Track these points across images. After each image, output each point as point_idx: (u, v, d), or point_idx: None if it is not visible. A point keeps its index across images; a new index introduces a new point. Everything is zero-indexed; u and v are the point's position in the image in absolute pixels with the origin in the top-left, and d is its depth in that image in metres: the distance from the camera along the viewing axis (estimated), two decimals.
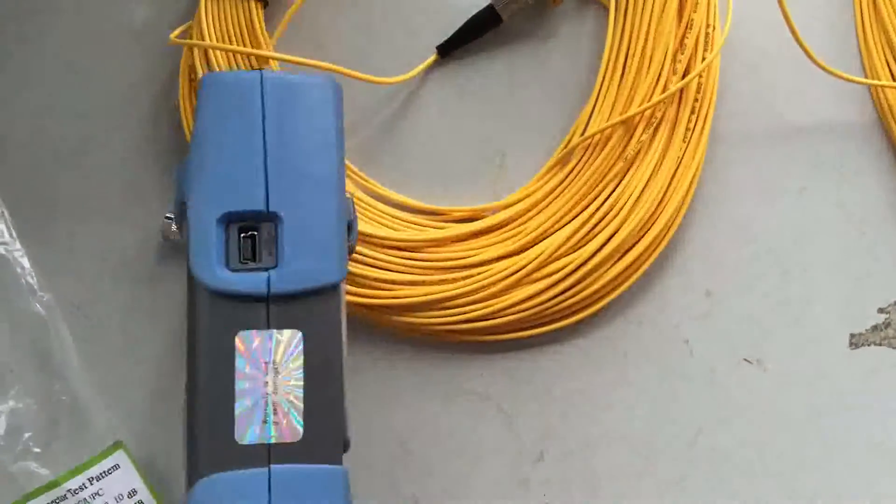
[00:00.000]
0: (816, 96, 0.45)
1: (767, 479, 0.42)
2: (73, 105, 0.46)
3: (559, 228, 0.42)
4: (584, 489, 0.42)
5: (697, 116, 0.42)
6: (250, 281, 0.29)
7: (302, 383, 0.28)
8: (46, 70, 0.46)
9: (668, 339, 0.43)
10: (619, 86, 0.43)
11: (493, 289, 0.42)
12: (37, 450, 0.43)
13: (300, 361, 0.28)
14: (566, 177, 0.43)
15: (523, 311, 0.42)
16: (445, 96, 0.46)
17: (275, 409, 0.28)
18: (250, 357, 0.28)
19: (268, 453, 0.27)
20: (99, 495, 0.42)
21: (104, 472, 0.42)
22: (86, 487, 0.42)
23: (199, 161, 0.30)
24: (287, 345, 0.28)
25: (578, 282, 0.42)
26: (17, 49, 0.46)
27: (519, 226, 0.43)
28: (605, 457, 0.42)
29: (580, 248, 0.42)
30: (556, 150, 0.45)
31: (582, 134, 0.44)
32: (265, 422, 0.28)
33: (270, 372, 0.28)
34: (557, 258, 0.42)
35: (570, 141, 0.44)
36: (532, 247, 0.42)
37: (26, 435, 0.43)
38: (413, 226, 0.44)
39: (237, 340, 0.28)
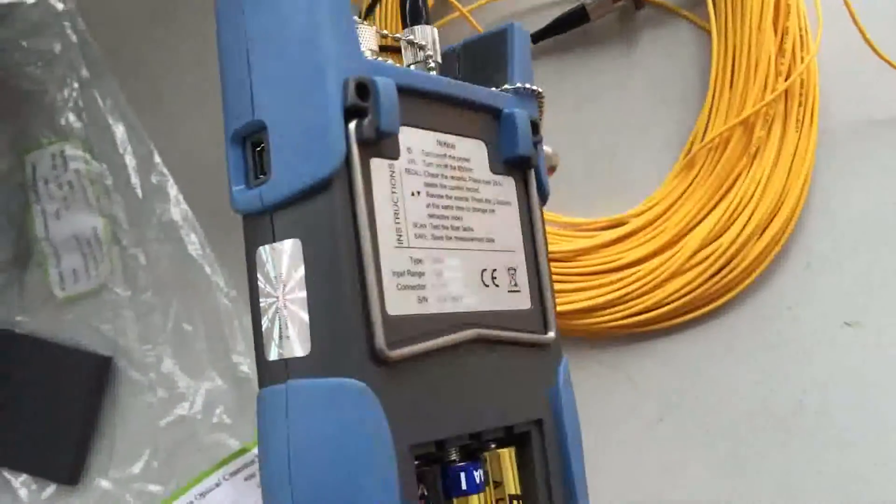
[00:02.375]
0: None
1: (870, 441, 0.44)
2: None
3: (697, 223, 0.47)
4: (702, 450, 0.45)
5: (804, 109, 0.47)
6: (250, 197, 0.26)
7: (304, 294, 0.24)
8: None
9: (772, 309, 0.47)
10: (730, 91, 0.48)
11: (651, 284, 0.46)
12: (228, 422, 0.49)
13: (301, 271, 0.25)
14: (693, 178, 0.48)
15: (678, 299, 0.46)
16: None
17: (286, 324, 0.25)
18: (264, 274, 0.26)
19: (286, 369, 0.25)
20: None
21: None
22: None
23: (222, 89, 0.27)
24: (289, 255, 0.25)
25: (725, 265, 0.46)
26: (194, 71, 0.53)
27: (660, 225, 0.47)
28: (719, 422, 0.45)
29: (721, 235, 0.46)
30: (662, 151, 0.50)
31: (702, 139, 0.48)
32: (280, 337, 0.25)
33: (280, 286, 0.25)
34: (704, 247, 0.46)
35: (690, 148, 0.49)
36: (677, 242, 0.47)
37: (219, 410, 0.49)
38: (563, 238, 0.49)
39: (256, 259, 0.26)
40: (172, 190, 0.51)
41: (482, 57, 0.33)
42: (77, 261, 0.51)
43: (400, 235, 0.26)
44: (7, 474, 0.49)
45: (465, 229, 0.29)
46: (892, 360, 0.45)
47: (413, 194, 0.27)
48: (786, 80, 0.47)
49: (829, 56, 0.49)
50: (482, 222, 0.30)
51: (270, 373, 0.25)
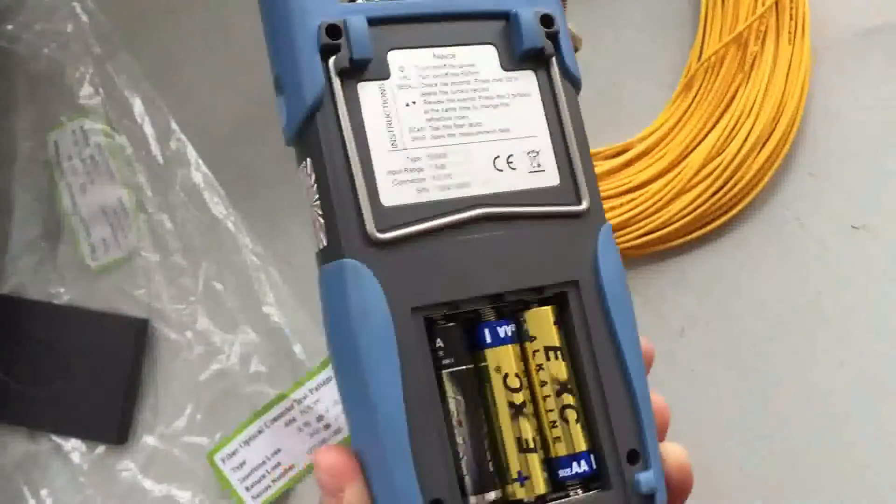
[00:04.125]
0: None
1: (886, 338, 0.45)
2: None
3: (700, 142, 0.48)
4: (726, 357, 0.46)
5: (795, 22, 0.48)
6: (286, 133, 0.32)
7: (318, 200, 0.31)
8: (236, 55, 0.55)
9: (781, 220, 0.48)
10: (722, 9, 0.49)
11: (659, 203, 0.47)
12: (265, 371, 0.51)
13: (313, 181, 0.31)
14: (693, 99, 0.49)
15: (686, 216, 0.47)
16: None
17: (314, 224, 0.31)
18: (302, 189, 0.32)
19: (320, 258, 0.31)
20: (319, 401, 0.49)
21: (321, 383, 0.49)
22: (308, 397, 0.49)
23: None
24: (307, 172, 0.31)
25: (728, 179, 0.47)
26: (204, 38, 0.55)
27: (663, 147, 0.49)
28: (740, 329, 0.47)
29: (723, 151, 0.47)
30: (663, 78, 0.51)
31: (699, 59, 0.50)
32: (314, 234, 0.31)
33: (308, 196, 0.31)
34: (707, 163, 0.47)
35: (689, 71, 0.50)
36: (680, 162, 0.48)
37: (255, 361, 0.51)
38: None
39: (298, 178, 0.32)
40: (192, 155, 0.53)
41: None
42: (106, 231, 0.53)
43: (394, 140, 0.31)
44: (57, 439, 0.51)
45: (471, 125, 0.32)
46: None
47: (408, 104, 0.31)
48: None
49: None
50: (493, 116, 0.33)
51: (318, 261, 0.31)
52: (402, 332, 0.29)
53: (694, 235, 0.48)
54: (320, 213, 0.31)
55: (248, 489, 0.49)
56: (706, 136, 0.48)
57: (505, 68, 0.33)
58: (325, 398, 0.49)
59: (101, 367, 0.51)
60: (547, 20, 0.33)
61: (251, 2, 0.56)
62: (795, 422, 0.46)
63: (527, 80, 0.33)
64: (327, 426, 0.49)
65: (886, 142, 0.48)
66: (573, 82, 0.34)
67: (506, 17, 0.33)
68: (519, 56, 0.33)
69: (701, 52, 0.50)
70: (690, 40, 0.51)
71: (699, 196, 0.48)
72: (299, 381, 0.49)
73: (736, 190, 0.48)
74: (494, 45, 0.33)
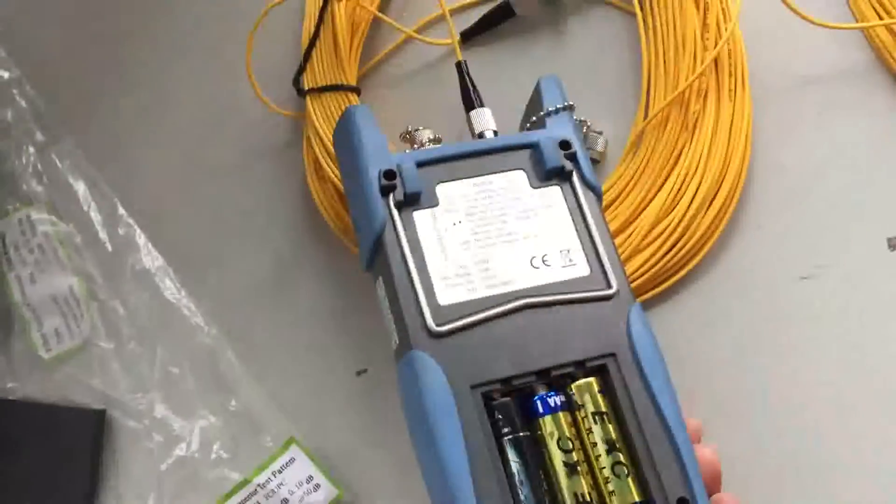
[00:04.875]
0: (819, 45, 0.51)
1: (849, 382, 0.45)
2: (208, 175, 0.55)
3: (649, 202, 0.48)
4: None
5: (734, 78, 0.49)
6: (363, 261, 0.41)
7: (388, 306, 0.38)
8: (180, 132, 0.55)
9: (733, 274, 0.48)
10: (664, 69, 0.50)
11: None
12: (226, 457, 0.50)
13: (384, 294, 0.39)
14: (643, 158, 0.49)
15: (639, 276, 0.48)
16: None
17: (387, 327, 0.39)
18: (377, 303, 0.40)
19: (396, 356, 0.38)
20: (283, 485, 0.48)
21: (283, 465, 0.48)
22: (271, 480, 0.48)
23: None
24: (380, 287, 0.39)
25: (679, 238, 0.48)
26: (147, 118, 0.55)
27: (615, 208, 0.49)
28: (698, 387, 0.46)
29: (673, 209, 0.48)
30: (609, 137, 0.51)
31: (644, 118, 0.50)
32: (390, 337, 0.39)
33: (382, 306, 0.39)
34: (658, 223, 0.48)
35: (636, 125, 0.51)
36: (632, 222, 0.48)
37: (216, 446, 0.50)
38: None
39: (376, 293, 0.41)
40: (141, 239, 0.52)
41: (532, 107, 0.45)
42: (58, 321, 0.52)
43: (445, 253, 0.38)
44: None
45: (509, 234, 0.39)
46: (852, 304, 0.47)
47: (455, 224, 0.39)
48: (714, 47, 0.49)
49: (753, 23, 0.50)
50: (526, 225, 0.39)
51: (395, 360, 0.38)
52: (463, 406, 0.34)
53: (648, 295, 0.48)
54: (391, 318, 0.38)
55: None
56: (655, 195, 0.48)
57: (534, 186, 0.40)
58: (289, 480, 0.49)
59: (61, 461, 0.50)
60: (565, 144, 0.41)
61: (190, 78, 0.56)
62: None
63: (553, 194, 0.40)
64: None
65: (827, 188, 0.49)
66: (594, 190, 0.40)
67: (531, 146, 0.41)
68: (545, 175, 0.40)
69: (646, 111, 0.50)
70: (636, 98, 0.52)
71: (652, 256, 0.48)
72: (262, 464, 0.49)
73: (687, 248, 0.48)
74: (523, 170, 0.40)
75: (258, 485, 0.49)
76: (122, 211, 0.53)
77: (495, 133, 0.44)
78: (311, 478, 0.48)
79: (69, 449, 0.50)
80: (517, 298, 0.37)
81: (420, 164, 0.39)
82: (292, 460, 0.49)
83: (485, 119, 0.45)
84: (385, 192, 0.38)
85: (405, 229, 0.38)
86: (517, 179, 0.40)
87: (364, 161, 0.39)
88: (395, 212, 0.38)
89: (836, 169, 0.49)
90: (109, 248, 0.52)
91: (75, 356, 0.52)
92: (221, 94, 0.56)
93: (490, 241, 0.39)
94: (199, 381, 0.51)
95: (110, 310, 0.52)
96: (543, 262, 0.38)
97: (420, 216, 0.39)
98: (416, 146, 0.44)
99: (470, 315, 0.36)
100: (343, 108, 0.51)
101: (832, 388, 0.45)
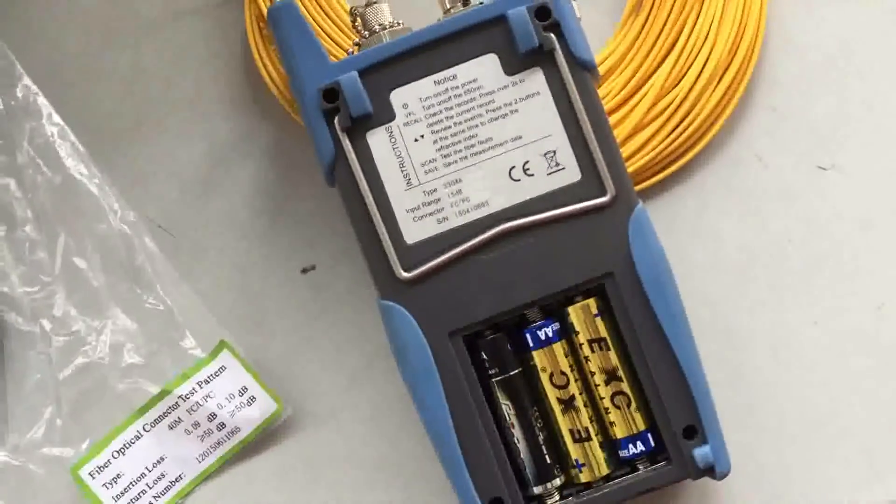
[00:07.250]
0: None
1: (860, 278, 0.41)
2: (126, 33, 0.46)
3: (652, 74, 0.42)
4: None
5: None
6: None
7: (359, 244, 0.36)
8: None
9: (743, 160, 0.43)
10: None
11: None
12: (141, 363, 0.42)
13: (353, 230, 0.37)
14: (645, 22, 0.43)
15: (641, 158, 0.42)
16: None
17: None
18: None
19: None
20: (210, 397, 0.41)
21: (212, 374, 0.41)
22: (196, 392, 0.41)
23: None
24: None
25: (685, 116, 0.42)
26: None
27: (612, 81, 0.43)
28: (700, 281, 0.42)
29: (680, 81, 0.42)
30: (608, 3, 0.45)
31: None
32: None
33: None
34: (661, 98, 0.42)
35: None
36: (631, 97, 0.42)
37: (128, 351, 0.42)
38: None
39: None
40: (43, 104, 0.44)
41: None
42: None
43: (409, 179, 0.34)
44: None
45: (481, 142, 0.34)
46: (870, 200, 0.42)
47: (416, 140, 0.34)
48: None
49: None
50: (502, 127, 0.34)
51: None
52: (442, 358, 0.33)
53: (651, 182, 0.42)
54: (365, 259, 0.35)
55: None
56: (658, 66, 0.42)
57: (509, 73, 0.34)
58: (218, 392, 0.41)
59: None
60: (543, 13, 0.34)
61: None
62: (764, 386, 0.41)
63: (534, 79, 0.34)
64: (221, 426, 0.41)
65: (849, 71, 0.43)
66: (585, 66, 0.34)
67: (498, 21, 0.34)
68: (521, 58, 0.34)
69: None
70: None
71: (654, 135, 0.42)
72: (185, 373, 0.41)
73: (693, 128, 0.42)
74: (495, 53, 0.34)
75: (180, 396, 0.41)
76: (20, 69, 0.44)
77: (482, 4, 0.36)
78: (244, 389, 0.41)
79: None
80: (494, 224, 0.34)
81: (366, 71, 0.34)
82: (223, 369, 0.42)
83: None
84: (328, 115, 0.34)
85: (358, 159, 0.34)
86: (487, 67, 0.34)
87: (298, 79, 0.34)
88: (343, 140, 0.34)
89: (862, 49, 0.44)
90: (3, 112, 0.44)
91: None
92: None
93: (460, 155, 0.34)
94: (110, 275, 0.43)
95: (2, 188, 0.43)
96: (525, 171, 0.34)
97: (375, 138, 0.34)
98: (366, 34, 0.36)
99: (442, 253, 0.34)
100: None
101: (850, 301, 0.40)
